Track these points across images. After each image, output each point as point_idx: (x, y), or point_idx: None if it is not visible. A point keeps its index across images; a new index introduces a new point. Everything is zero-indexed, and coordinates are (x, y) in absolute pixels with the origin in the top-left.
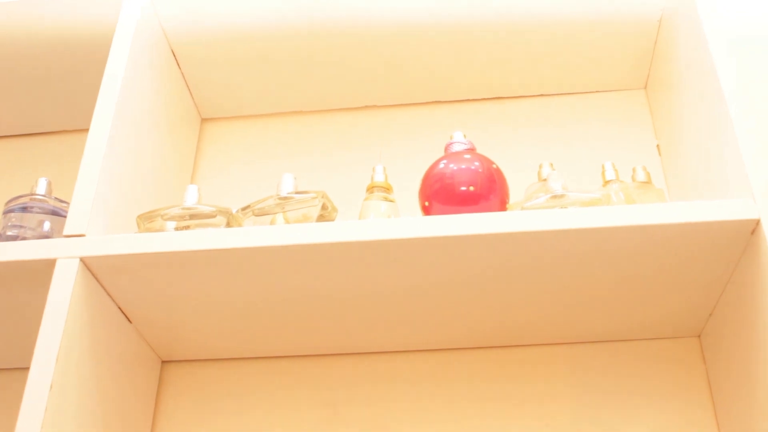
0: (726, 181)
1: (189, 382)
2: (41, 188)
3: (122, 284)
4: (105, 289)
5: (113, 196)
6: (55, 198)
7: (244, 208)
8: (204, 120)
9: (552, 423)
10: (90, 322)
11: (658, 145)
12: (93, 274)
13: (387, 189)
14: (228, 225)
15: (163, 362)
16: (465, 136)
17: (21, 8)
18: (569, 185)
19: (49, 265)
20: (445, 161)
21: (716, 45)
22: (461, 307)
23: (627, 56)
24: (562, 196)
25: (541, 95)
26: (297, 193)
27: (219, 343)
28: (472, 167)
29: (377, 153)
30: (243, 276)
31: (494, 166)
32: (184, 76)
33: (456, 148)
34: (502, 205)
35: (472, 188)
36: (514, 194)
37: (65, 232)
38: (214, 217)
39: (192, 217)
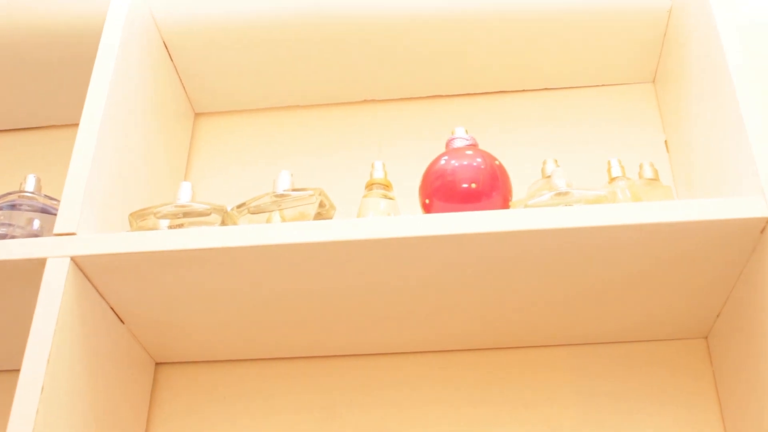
0: (736, 178)
1: (184, 384)
2: (30, 185)
3: (114, 284)
4: (97, 290)
5: (104, 193)
6: (45, 195)
7: (239, 206)
8: (197, 114)
9: (556, 426)
10: (82, 323)
11: (666, 141)
12: (84, 274)
13: (386, 186)
14: (223, 223)
15: (157, 364)
16: (467, 131)
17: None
18: (574, 182)
19: (39, 264)
20: (446, 157)
21: (728, 37)
22: (462, 308)
23: (634, 48)
24: (566, 193)
25: (546, 89)
26: (294, 190)
27: (214, 344)
28: (474, 164)
29: (376, 149)
30: (238, 276)
31: (497, 162)
32: (176, 69)
33: (457, 143)
34: (505, 203)
35: (474, 185)
36: (517, 191)
37: (55, 230)
38: (208, 215)
39: (186, 215)
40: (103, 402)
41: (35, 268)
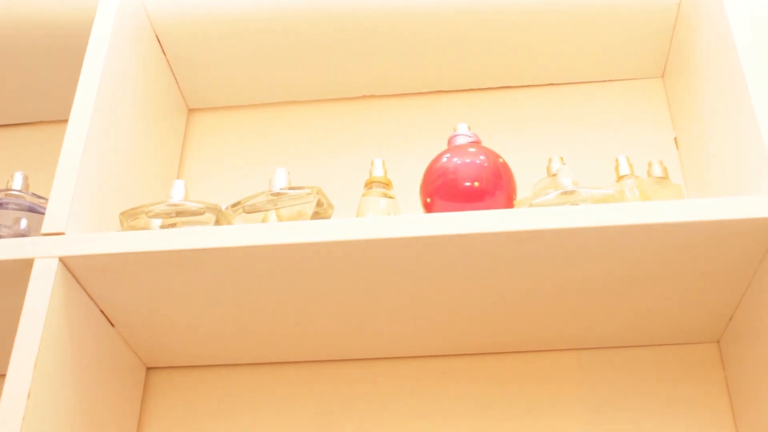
0: (748, 176)
1: (175, 389)
2: (17, 183)
3: (104, 286)
4: (86, 291)
5: (94, 191)
6: (32, 194)
7: (234, 205)
8: (191, 110)
9: None
10: (70, 326)
11: (675, 138)
12: (73, 275)
13: (386, 184)
14: (217, 223)
15: (148, 369)
16: (470, 128)
17: None
18: (580, 181)
19: (26, 265)
20: (448, 155)
21: (740, 29)
22: (465, 311)
23: (643, 42)
24: (572, 192)
25: (551, 84)
26: (290, 188)
27: (207, 348)
28: (477, 161)
29: (376, 146)
30: (233, 277)
31: (500, 160)
32: (169, 63)
33: (460, 140)
34: (509, 202)
35: (477, 184)
36: (522, 190)
37: (43, 230)
38: (202, 214)
39: (178, 214)
40: (92, 408)
41: (22, 269)
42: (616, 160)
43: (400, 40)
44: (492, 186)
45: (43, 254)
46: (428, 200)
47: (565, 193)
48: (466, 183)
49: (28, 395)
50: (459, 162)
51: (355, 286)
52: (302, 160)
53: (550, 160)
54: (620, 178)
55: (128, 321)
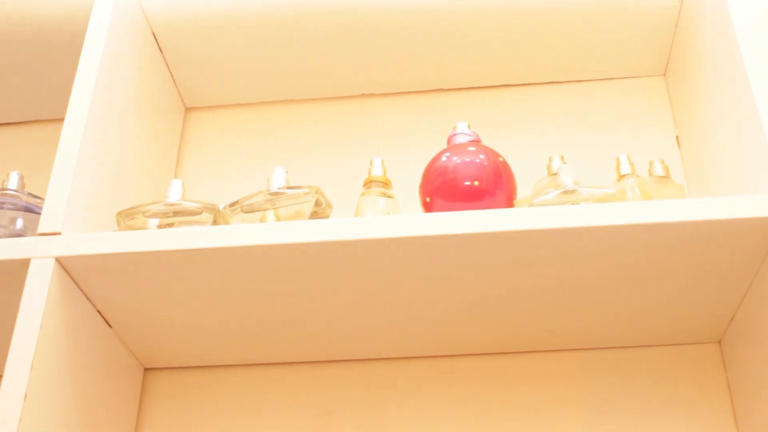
0: (750, 175)
1: (173, 390)
2: (13, 183)
3: (101, 286)
4: (83, 292)
5: (91, 191)
6: (29, 193)
7: (231, 205)
8: (188, 109)
9: None
10: (67, 327)
11: (677, 137)
12: (70, 276)
13: (385, 184)
14: (214, 222)
15: (146, 369)
16: (469, 126)
17: None
18: (581, 180)
19: (22, 265)
20: (447, 154)
21: (743, 27)
22: (465, 311)
23: (644, 39)
24: (573, 191)
25: (552, 82)
26: (289, 188)
27: (205, 349)
28: (477, 160)
29: (375, 145)
30: (231, 277)
31: (500, 159)
32: (166, 62)
33: (459, 139)
34: (509, 201)
35: (476, 183)
36: (522, 189)
37: (40, 230)
38: (199, 213)
39: (176, 213)
40: (89, 409)
41: (18, 269)
42: (618, 159)
43: (399, 38)
44: (492, 185)
45: (40, 254)
46: (428, 199)
47: (566, 192)
48: (466, 182)
49: (25, 396)
50: (459, 161)
51: (354, 286)
52: (300, 159)
53: (550, 159)
54: (621, 177)
55: (125, 321)
